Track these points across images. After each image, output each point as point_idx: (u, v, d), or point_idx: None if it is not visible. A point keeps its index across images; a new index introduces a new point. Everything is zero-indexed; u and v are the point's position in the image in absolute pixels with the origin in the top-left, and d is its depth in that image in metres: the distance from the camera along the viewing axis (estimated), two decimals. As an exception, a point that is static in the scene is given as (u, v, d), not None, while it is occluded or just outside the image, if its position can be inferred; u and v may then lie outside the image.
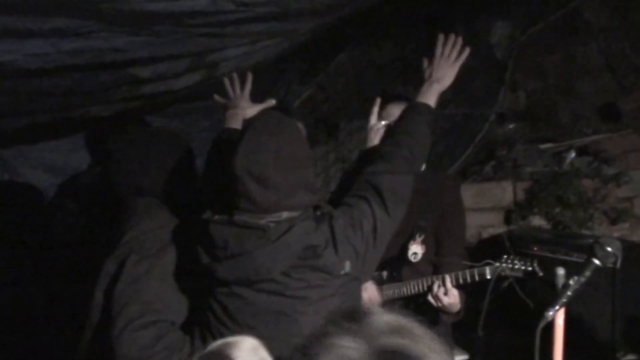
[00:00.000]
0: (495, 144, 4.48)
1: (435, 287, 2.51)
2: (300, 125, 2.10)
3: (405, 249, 2.76)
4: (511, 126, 4.60)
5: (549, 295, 1.85)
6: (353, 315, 0.97)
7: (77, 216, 3.34)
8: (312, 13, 2.68)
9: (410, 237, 2.78)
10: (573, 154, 4.23)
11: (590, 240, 1.93)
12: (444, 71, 2.34)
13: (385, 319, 0.96)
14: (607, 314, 3.01)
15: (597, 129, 4.47)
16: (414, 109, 2.27)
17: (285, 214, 1.81)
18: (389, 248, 2.82)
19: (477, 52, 4.90)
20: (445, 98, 4.83)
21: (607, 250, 1.79)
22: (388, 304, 2.86)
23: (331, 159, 4.87)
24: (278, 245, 1.79)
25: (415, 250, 2.81)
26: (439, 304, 2.51)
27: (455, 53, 2.33)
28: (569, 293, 1.77)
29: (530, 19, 4.87)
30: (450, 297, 2.48)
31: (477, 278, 2.47)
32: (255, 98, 4.52)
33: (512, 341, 2.90)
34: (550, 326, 1.80)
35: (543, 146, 4.40)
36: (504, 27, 4.85)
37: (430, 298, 2.56)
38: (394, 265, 2.85)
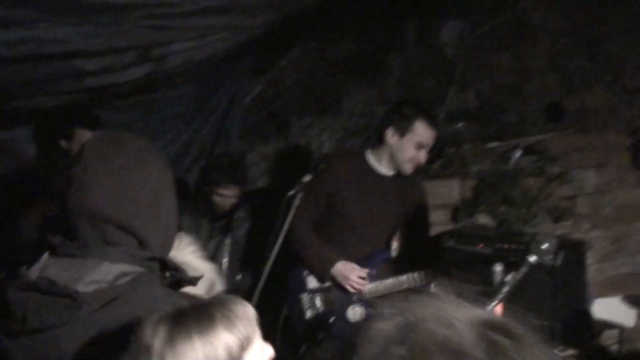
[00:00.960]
0: (443, 143, 4.53)
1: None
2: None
3: (389, 245, 2.93)
4: (460, 125, 4.66)
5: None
6: None
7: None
8: (260, 7, 2.66)
9: (393, 234, 2.97)
10: (519, 153, 4.31)
11: (528, 238, 1.98)
12: None
13: None
14: (547, 309, 3.08)
15: (542, 128, 4.57)
16: None
17: (112, 269, 1.31)
18: (371, 244, 2.98)
19: (427, 51, 4.98)
20: (396, 95, 4.91)
21: (543, 248, 1.83)
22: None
23: (281, 156, 4.85)
24: (92, 322, 1.28)
25: (395, 245, 3.00)
26: None
27: None
28: (506, 289, 1.80)
29: (479, 19, 4.95)
30: None
31: None
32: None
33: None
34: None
35: (490, 145, 4.47)
36: (454, 26, 4.92)
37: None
38: (375, 262, 2.99)
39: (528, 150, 4.37)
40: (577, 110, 4.68)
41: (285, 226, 2.85)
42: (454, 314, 0.74)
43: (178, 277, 1.38)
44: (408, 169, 2.96)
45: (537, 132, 4.54)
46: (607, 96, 4.76)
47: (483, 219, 4.06)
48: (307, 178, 2.92)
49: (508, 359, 0.71)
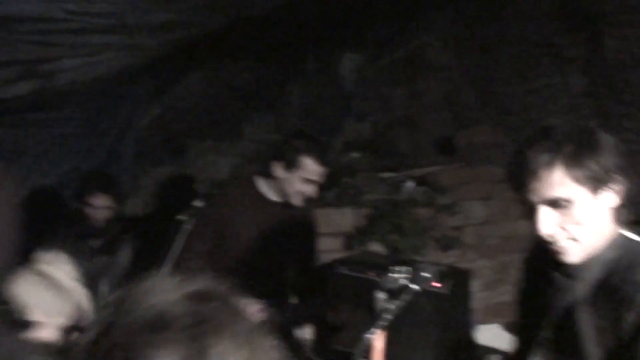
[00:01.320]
0: (339, 172, 4.60)
1: None
2: None
3: (280, 273, 2.90)
4: (355, 155, 4.76)
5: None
6: None
7: None
8: (152, 28, 2.62)
9: (283, 262, 2.93)
10: (411, 184, 4.45)
11: (411, 266, 2.02)
12: None
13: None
14: (434, 336, 3.16)
15: (434, 160, 4.74)
16: None
17: None
18: (262, 272, 2.94)
19: (326, 82, 5.08)
20: (295, 124, 4.96)
21: (424, 276, 1.87)
22: None
23: (178, 180, 4.76)
24: None
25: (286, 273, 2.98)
26: None
27: None
28: (388, 316, 1.82)
29: (377, 54, 5.10)
30: None
31: None
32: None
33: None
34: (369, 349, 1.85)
35: (384, 175, 4.58)
36: (353, 59, 5.05)
37: None
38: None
39: (420, 182, 4.51)
40: (467, 144, 4.90)
41: (175, 251, 2.78)
42: (164, 292, 0.76)
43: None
44: (297, 201, 2.94)
45: (429, 164, 4.70)
46: (494, 132, 5.01)
47: (375, 247, 4.13)
48: (198, 203, 2.86)
49: (212, 325, 0.73)
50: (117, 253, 3.58)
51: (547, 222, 1.49)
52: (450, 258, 4.21)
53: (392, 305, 1.86)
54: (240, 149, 4.81)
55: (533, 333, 1.64)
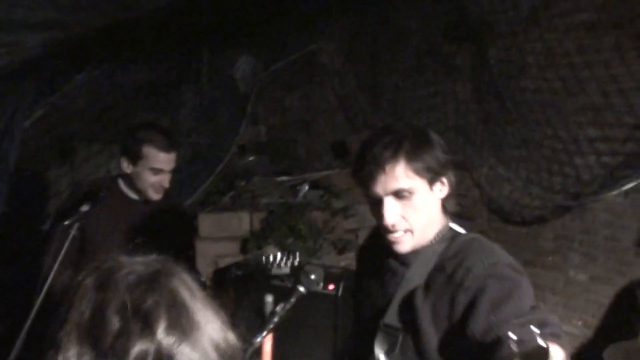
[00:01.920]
0: (235, 175, 4.58)
1: None
2: None
3: None
4: (251, 158, 4.75)
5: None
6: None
7: None
8: (33, 26, 2.50)
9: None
10: (306, 187, 4.49)
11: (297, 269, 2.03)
12: None
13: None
14: (329, 337, 3.20)
15: (328, 164, 4.81)
16: None
17: None
18: None
19: (221, 84, 5.04)
20: (189, 127, 4.89)
21: (311, 278, 1.89)
22: None
23: (65, 184, 4.57)
24: None
25: None
26: None
27: None
28: (275, 319, 1.83)
29: (272, 57, 5.12)
30: None
31: None
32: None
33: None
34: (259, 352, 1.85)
35: (280, 179, 4.61)
36: (248, 61, 5.04)
37: None
38: None
39: (315, 185, 4.57)
40: (360, 148, 4.99)
41: (61, 257, 2.65)
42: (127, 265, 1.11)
43: None
44: (152, 195, 2.84)
45: (324, 168, 4.76)
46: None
47: (272, 251, 4.14)
48: (85, 208, 2.75)
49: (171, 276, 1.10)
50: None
51: (391, 212, 1.64)
52: (346, 260, 4.27)
53: (279, 308, 1.86)
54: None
55: (373, 319, 1.73)
